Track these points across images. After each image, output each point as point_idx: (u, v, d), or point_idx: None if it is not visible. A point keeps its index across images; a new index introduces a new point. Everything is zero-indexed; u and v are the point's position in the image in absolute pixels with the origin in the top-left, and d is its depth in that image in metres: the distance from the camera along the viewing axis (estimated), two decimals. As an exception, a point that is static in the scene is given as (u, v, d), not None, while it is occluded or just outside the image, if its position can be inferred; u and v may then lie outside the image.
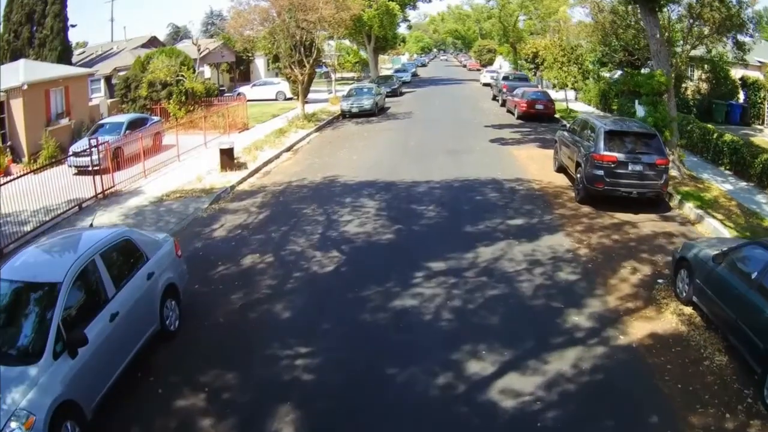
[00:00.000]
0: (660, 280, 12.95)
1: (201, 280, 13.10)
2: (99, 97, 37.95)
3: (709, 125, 25.73)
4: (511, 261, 13.98)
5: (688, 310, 11.53)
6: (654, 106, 21.38)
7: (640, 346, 10.36)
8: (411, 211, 17.83)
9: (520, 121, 36.15)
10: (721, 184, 20.55)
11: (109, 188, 20.47)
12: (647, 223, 16.80)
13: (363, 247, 15.17)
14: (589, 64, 39.43)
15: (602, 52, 39.02)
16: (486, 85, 62.81)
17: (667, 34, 33.54)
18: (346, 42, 69.86)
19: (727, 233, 15.57)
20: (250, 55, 56.15)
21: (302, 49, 35.91)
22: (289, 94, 48.64)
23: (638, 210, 17.66)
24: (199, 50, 37.48)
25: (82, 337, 7.80)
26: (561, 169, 21.97)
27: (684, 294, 11.81)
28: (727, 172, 22.26)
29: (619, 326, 11.03)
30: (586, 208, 17.99)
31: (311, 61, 36.94)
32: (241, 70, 63.50)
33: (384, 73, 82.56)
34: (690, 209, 17.81)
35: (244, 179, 22.56)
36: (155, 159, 25.03)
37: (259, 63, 63.09)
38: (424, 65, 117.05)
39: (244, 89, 51.44)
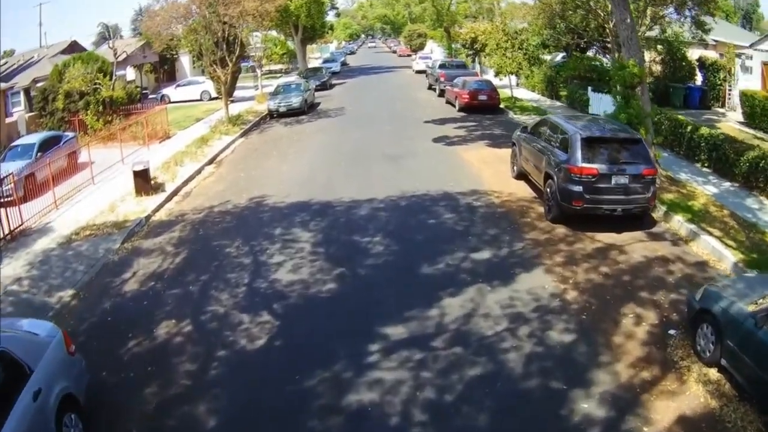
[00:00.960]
0: (672, 332, 10.33)
1: (109, 364, 10.27)
2: (19, 112, 34.45)
3: (680, 116, 23.32)
4: (487, 318, 10.99)
5: (714, 374, 9.09)
6: (626, 101, 18.79)
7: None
8: (354, 246, 14.68)
9: (462, 114, 33.30)
10: (703, 186, 18.15)
11: (17, 227, 17.46)
12: (635, 246, 14.13)
13: (299, 304, 11.98)
14: (534, 49, 36.76)
15: (547, 36, 36.51)
16: (419, 72, 59.92)
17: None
18: (273, 33, 66.10)
19: (730, 255, 13.13)
20: (173, 53, 52.27)
21: (225, 45, 32.30)
22: (214, 94, 44.73)
23: (620, 227, 14.98)
24: (115, 54, 33.46)
25: None
26: (521, 175, 19.17)
27: (707, 354, 9.33)
28: (706, 170, 19.87)
29: (639, 411, 8.46)
30: (560, 229, 15.22)
31: (234, 59, 33.34)
32: (165, 70, 59.15)
33: (313, 63, 78.96)
34: (680, 223, 15.25)
35: (161, 205, 19.49)
36: (70, 182, 22.17)
37: (185, 61, 58.63)
38: (352, 53, 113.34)
39: (167, 90, 47.81)
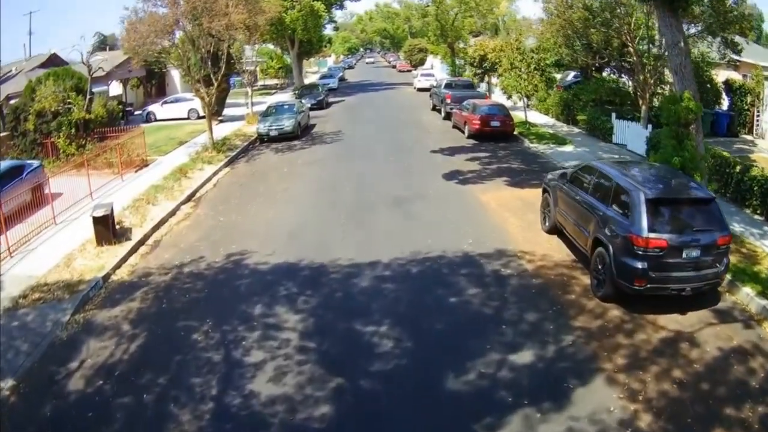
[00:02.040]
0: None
1: None
2: (-10, 132, 31.09)
3: (725, 153, 20.18)
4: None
5: None
6: (679, 141, 15.59)
7: None
8: (354, 339, 11.28)
9: (472, 142, 30.07)
10: (761, 241, 15.18)
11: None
12: (705, 332, 11.17)
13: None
14: (550, 69, 33.62)
15: (564, 54, 33.36)
16: (422, 90, 56.78)
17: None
18: (270, 46, 62.95)
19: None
20: (161, 67, 48.90)
21: (210, 62, 29.06)
22: (202, 112, 41.13)
23: (683, 305, 11.91)
24: (90, 70, 30.13)
25: None
26: (554, 229, 15.90)
27: None
28: (759, 217, 17.09)
29: None
30: (613, 311, 11.99)
31: (219, 77, 30.06)
32: (153, 85, 55.76)
33: (310, 78, 75.94)
34: (749, 297, 12.26)
35: (123, 260, 16.22)
36: (33, 220, 18.81)
37: (175, 75, 55.07)
38: (351, 67, 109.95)
39: (153, 107, 44.30)
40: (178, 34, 29.13)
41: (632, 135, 26.82)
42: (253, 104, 42.20)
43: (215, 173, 25.77)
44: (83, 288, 14.10)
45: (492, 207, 18.87)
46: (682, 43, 16.46)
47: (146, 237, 17.93)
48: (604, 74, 37.68)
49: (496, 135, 30.14)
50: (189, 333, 11.83)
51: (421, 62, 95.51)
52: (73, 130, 28.22)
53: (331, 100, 50.56)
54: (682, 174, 13.95)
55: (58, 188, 21.32)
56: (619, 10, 27.26)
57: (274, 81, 72.17)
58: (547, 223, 16.34)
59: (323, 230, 17.36)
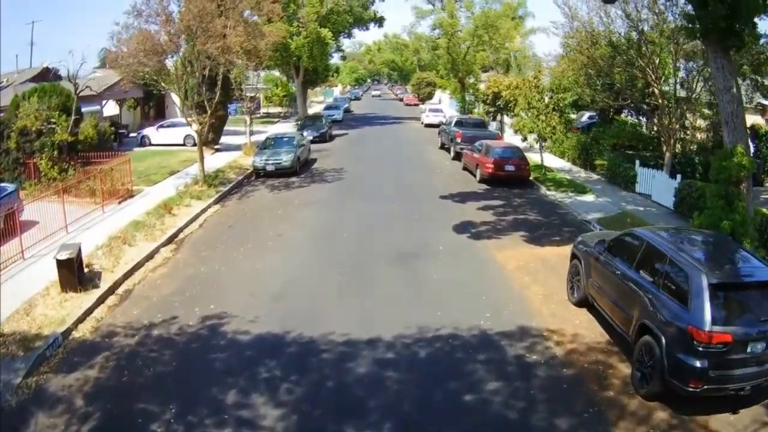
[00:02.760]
0: None
1: None
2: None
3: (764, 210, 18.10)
4: None
5: None
6: (728, 202, 13.60)
7: None
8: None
9: (485, 187, 27.99)
10: None
11: None
12: None
13: None
14: (568, 109, 31.64)
15: (582, 94, 31.37)
16: (429, 126, 54.92)
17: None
18: (276, 73, 61.23)
19: None
20: (157, 88, 46.48)
21: (204, 88, 27.11)
22: (199, 139, 39.18)
23: (735, 403, 9.86)
24: (76, 89, 28.15)
25: None
26: (583, 300, 13.69)
27: None
28: None
29: None
30: (659, 413, 9.87)
31: (213, 105, 28.02)
32: (150, 106, 53.74)
33: (315, 107, 74.29)
34: None
35: (89, 312, 14.19)
36: (4, 249, 17.04)
37: (176, 97, 52.74)
38: (357, 98, 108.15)
39: (149, 131, 42.31)
40: (174, 55, 27.12)
41: (658, 185, 24.77)
42: (252, 133, 40.27)
43: (203, 210, 23.66)
44: (40, 345, 12.20)
45: (510, 269, 16.65)
46: (735, 89, 14.53)
47: (116, 285, 15.83)
48: (623, 116, 35.82)
49: (510, 180, 28.07)
50: (148, 421, 9.65)
51: (429, 96, 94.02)
52: (56, 152, 26.17)
53: (335, 132, 48.62)
54: (737, 244, 11.91)
55: (34, 215, 19.65)
56: (645, 48, 25.39)
57: (278, 109, 70.46)
58: (575, 294, 14.11)
59: (316, 292, 15.08)
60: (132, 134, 44.66)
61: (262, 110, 69.75)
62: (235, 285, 15.58)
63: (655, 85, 25.80)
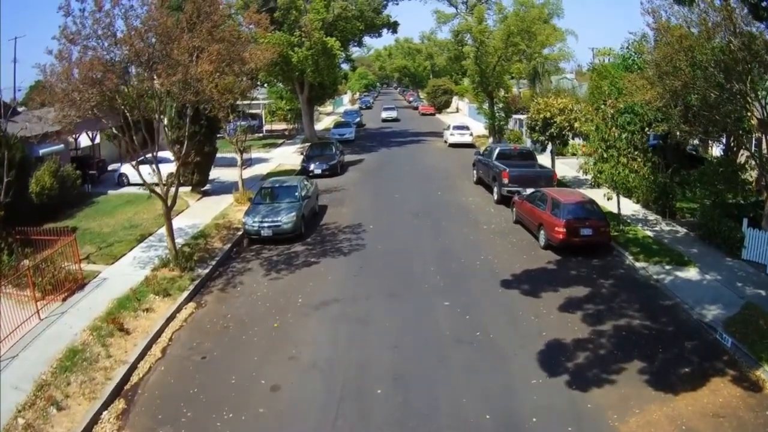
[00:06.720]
0: None
1: None
2: None
3: None
4: None
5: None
6: None
7: None
8: None
9: (554, 256, 20.78)
10: None
11: None
12: None
13: None
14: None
15: (672, 128, 23.63)
16: (454, 146, 47.76)
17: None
18: (280, 84, 53.93)
19: None
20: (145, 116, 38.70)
21: (185, 120, 20.40)
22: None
23: None
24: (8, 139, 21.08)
25: None
26: None
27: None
28: None
29: None
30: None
31: (195, 141, 20.95)
32: (131, 135, 45.66)
33: (324, 120, 67.12)
34: None
35: None
36: None
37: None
38: (369, 107, 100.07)
39: (126, 168, 32.72)
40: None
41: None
42: (250, 164, 32.81)
43: (170, 319, 16.52)
44: None
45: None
46: None
47: None
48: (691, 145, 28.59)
49: (585, 246, 20.80)
50: None
51: (446, 105, 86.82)
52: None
53: (347, 158, 41.28)
54: None
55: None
56: (739, 68, 18.10)
57: (282, 125, 63.09)
58: None
59: None
60: (112, 166, 37.51)
61: (265, 128, 62.45)
62: None
63: (759, 111, 18.78)
